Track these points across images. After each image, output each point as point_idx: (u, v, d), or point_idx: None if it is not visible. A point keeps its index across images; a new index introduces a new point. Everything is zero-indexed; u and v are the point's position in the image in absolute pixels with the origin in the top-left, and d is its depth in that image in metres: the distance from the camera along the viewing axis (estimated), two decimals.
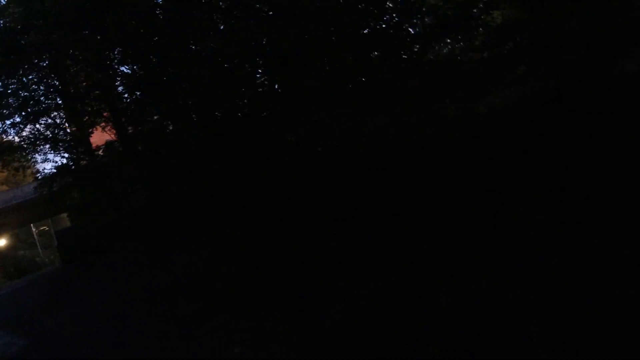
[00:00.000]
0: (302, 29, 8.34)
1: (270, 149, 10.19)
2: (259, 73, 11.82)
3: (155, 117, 15.95)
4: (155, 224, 15.36)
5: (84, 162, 17.78)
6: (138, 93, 15.72)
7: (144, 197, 17.32)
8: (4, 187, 39.05)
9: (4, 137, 19.24)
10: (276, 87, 11.31)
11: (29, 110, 16.94)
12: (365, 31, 8.50)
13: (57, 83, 17.38)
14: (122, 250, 16.06)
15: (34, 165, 20.63)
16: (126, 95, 16.74)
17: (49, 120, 18.33)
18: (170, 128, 15.14)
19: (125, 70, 16.28)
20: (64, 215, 38.82)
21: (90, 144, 17.56)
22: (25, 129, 18.37)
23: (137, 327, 5.45)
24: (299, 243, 6.94)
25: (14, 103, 16.80)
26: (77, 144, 17.76)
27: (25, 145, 18.42)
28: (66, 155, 18.90)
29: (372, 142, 7.45)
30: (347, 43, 8.14)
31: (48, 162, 25.75)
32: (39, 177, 19.50)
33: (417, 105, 6.96)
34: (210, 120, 11.55)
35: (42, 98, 17.18)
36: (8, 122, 17.50)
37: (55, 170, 18.02)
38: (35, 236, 46.14)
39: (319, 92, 7.88)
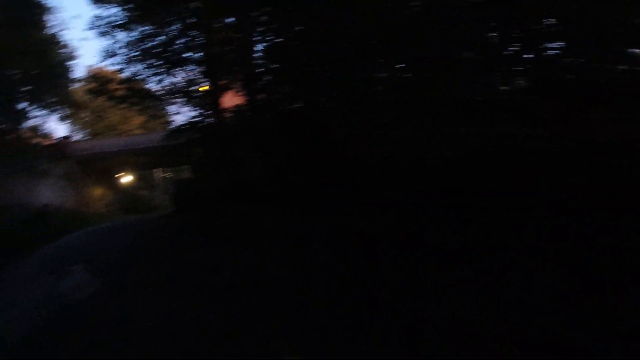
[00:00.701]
0: None
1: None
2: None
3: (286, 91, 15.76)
4: (264, 195, 15.23)
5: (212, 120, 18.18)
6: (273, 65, 15.57)
7: (259, 167, 17.32)
8: (138, 131, 42.33)
9: (144, 85, 20.28)
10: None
11: (167, 57, 17.63)
12: None
13: (198, 38, 17.84)
14: (229, 210, 16.22)
15: (167, 115, 21.65)
16: (262, 64, 16.81)
17: (185, 74, 18.99)
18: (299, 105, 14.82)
19: (266, 38, 16.21)
20: (187, 167, 41.53)
21: (220, 104, 17.87)
22: (165, 80, 19.21)
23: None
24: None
25: (155, 49, 17.65)
26: (208, 102, 18.17)
27: (161, 95, 19.28)
28: (196, 111, 19.53)
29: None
30: None
31: (180, 115, 26.98)
32: (170, 128, 20.38)
33: None
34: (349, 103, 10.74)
35: (182, 48, 17.77)
36: (149, 70, 18.37)
37: (184, 124, 18.68)
38: (158, 181, 49.92)
39: None
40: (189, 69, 18.87)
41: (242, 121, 16.92)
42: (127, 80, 18.74)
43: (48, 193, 27.07)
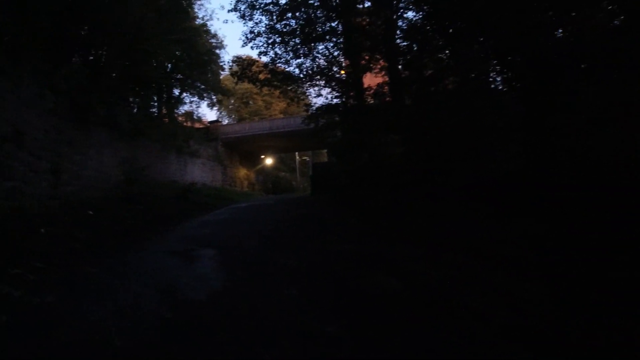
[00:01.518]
0: None
1: None
2: None
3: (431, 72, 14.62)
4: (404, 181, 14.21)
5: (352, 102, 17.61)
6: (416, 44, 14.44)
7: (399, 151, 16.34)
8: (280, 116, 43.81)
9: (286, 67, 20.32)
10: None
11: (307, 32, 17.34)
12: None
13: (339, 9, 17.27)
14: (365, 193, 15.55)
15: (307, 98, 21.56)
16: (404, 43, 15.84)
17: (326, 50, 18.61)
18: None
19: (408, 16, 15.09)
20: (324, 151, 42.21)
21: (362, 85, 17.18)
22: (305, 63, 19.04)
23: None
24: None
25: (295, 24, 17.50)
26: (349, 83, 17.60)
27: (302, 77, 19.18)
28: (336, 93, 19.12)
29: None
30: None
31: (320, 98, 27.14)
32: (309, 111, 20.26)
33: None
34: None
35: (322, 19, 17.34)
36: (289, 52, 18.32)
37: (323, 106, 18.39)
38: (296, 163, 51.51)
39: None
40: (330, 45, 18.48)
41: (384, 102, 16.04)
42: (269, 63, 18.94)
43: (198, 171, 29.11)
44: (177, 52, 23.52)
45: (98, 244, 6.24)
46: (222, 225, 9.50)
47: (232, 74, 19.13)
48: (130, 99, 22.27)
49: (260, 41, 18.06)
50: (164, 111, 29.16)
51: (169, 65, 26.84)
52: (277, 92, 23.62)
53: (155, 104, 27.95)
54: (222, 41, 31.68)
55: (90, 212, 8.42)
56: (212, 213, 13.65)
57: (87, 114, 12.23)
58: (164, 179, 21.26)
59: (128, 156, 15.88)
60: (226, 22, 56.40)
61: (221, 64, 32.14)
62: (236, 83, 21.54)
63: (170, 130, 24.34)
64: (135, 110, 22.21)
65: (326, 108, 18.02)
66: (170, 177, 22.65)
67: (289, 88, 20.43)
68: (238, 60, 18.80)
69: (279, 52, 18.61)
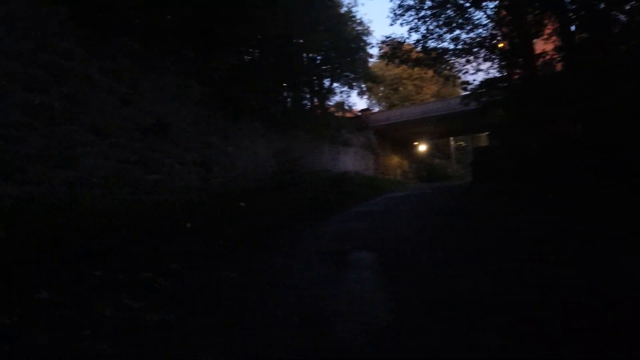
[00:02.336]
0: None
1: None
2: None
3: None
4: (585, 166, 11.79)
5: (519, 74, 15.34)
6: None
7: (579, 130, 13.81)
8: (432, 99, 41.67)
9: (439, 43, 18.61)
10: None
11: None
12: None
13: None
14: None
15: (464, 75, 19.53)
16: None
17: (484, 18, 16.56)
18: None
19: None
20: (484, 134, 39.20)
21: (530, 53, 14.80)
22: (461, 36, 17.21)
23: None
24: None
25: None
26: (513, 53, 15.35)
27: (458, 51, 17.38)
28: (499, 66, 16.99)
29: None
30: None
31: (479, 74, 24.52)
32: (467, 89, 18.29)
33: None
34: None
35: None
36: (441, 25, 16.63)
37: (483, 83, 16.40)
38: (451, 149, 48.75)
39: None
40: (489, 11, 16.39)
41: (555, 71, 13.64)
42: (420, 40, 17.49)
43: (350, 160, 28.79)
44: (325, 43, 23.19)
45: (246, 241, 5.67)
46: (379, 219, 8.50)
47: (382, 55, 18.07)
48: (284, 93, 22.68)
49: (410, 16, 16.76)
50: (316, 102, 29.48)
51: (318, 57, 26.89)
52: (429, 73, 22.13)
53: (307, 95, 28.31)
54: (368, 27, 30.73)
55: (242, 204, 8.13)
56: (366, 203, 12.83)
57: (237, 105, 12.10)
58: (317, 169, 21.17)
59: (282, 147, 15.81)
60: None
61: (369, 50, 31.03)
62: (387, 64, 20.47)
63: (322, 120, 24.27)
64: (288, 103, 22.54)
65: (488, 82, 15.98)
66: (323, 166, 22.53)
67: (443, 66, 18.77)
68: (387, 40, 17.62)
69: (431, 27, 17.10)
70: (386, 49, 18.52)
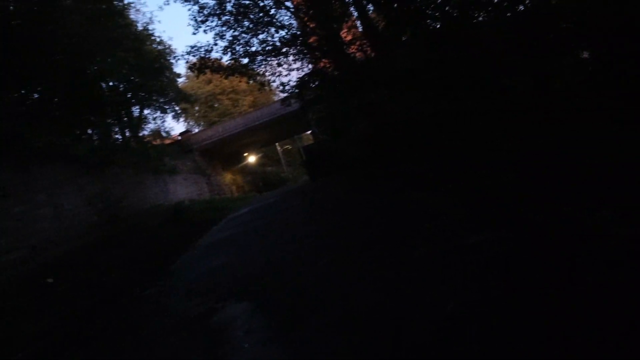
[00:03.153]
0: None
1: None
2: None
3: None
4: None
5: (331, 66, 15.29)
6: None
7: (405, 110, 14.24)
8: (250, 110, 41.26)
9: (248, 49, 17.82)
10: None
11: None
12: None
13: None
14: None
15: (279, 77, 19.05)
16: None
17: (288, 16, 16.28)
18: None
19: None
20: (308, 133, 39.88)
21: (339, 41, 14.77)
22: (267, 38, 16.65)
23: None
24: None
25: None
26: (325, 46, 15.22)
27: (267, 53, 16.78)
28: (312, 60, 16.84)
29: None
30: None
31: (294, 73, 24.11)
32: (285, 90, 17.83)
33: None
34: None
35: None
36: (247, 29, 15.88)
37: (304, 76, 16.07)
38: (280, 154, 49.04)
39: None
40: (292, 8, 16.10)
41: (372, 53, 13.82)
42: (227, 47, 16.46)
43: (181, 188, 26.71)
44: (125, 66, 20.85)
45: (57, 336, 3.95)
46: (235, 246, 7.25)
47: (191, 67, 16.57)
48: (88, 129, 19.86)
49: (213, 21, 15.57)
50: (129, 134, 26.85)
51: (122, 85, 24.39)
52: (243, 84, 21.39)
53: (116, 129, 25.51)
54: (169, 45, 28.88)
55: (50, 280, 6.14)
56: (214, 230, 11.42)
57: (22, 150, 9.50)
58: (147, 205, 18.91)
59: (97, 191, 13.40)
60: (167, 4, 52.68)
61: (175, 69, 29.23)
62: (197, 76, 18.97)
63: (139, 152, 21.83)
64: (96, 140, 19.77)
65: (304, 79, 15.65)
66: (153, 201, 20.25)
67: (256, 71, 18.05)
68: (193, 50, 16.18)
69: (236, 32, 16.20)
70: (194, 60, 17.08)
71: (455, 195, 5.60)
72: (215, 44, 16.00)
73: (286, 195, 16.90)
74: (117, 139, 25.00)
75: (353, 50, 14.69)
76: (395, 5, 10.82)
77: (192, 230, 11.82)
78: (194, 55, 16.05)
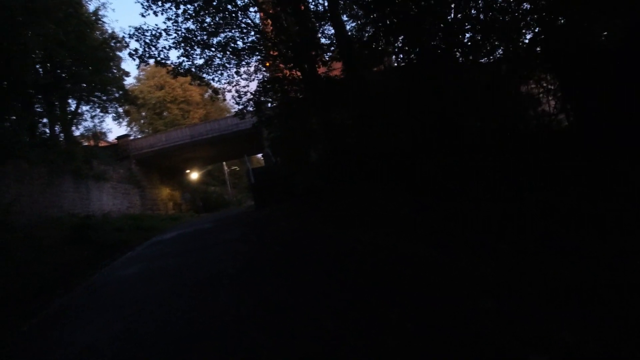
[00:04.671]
0: None
1: None
2: None
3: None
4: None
5: (296, 79, 13.12)
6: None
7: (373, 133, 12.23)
8: (200, 122, 38.42)
9: (205, 52, 15.40)
10: None
11: None
12: None
13: None
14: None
15: (236, 86, 16.52)
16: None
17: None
18: None
19: None
20: (259, 155, 37.33)
21: (312, 53, 12.63)
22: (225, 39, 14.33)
23: None
24: None
25: None
26: (294, 52, 13.06)
27: (226, 57, 14.47)
28: (272, 74, 14.67)
29: None
30: None
31: (254, 83, 21.31)
32: (240, 103, 15.45)
33: None
34: None
35: None
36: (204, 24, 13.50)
37: (262, 84, 13.79)
38: (226, 174, 46.08)
39: None
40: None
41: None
42: (181, 42, 13.96)
43: (108, 198, 23.50)
44: (55, 38, 17.73)
45: None
46: (140, 302, 4.70)
47: (132, 53, 13.80)
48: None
49: (167, 6, 12.96)
50: (59, 130, 23.63)
51: (64, 75, 21.30)
52: (197, 93, 18.83)
53: (44, 120, 22.20)
54: (122, 38, 25.86)
55: None
56: (123, 260, 8.74)
57: None
58: (59, 214, 15.82)
59: None
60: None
61: (125, 67, 26.28)
62: (138, 66, 16.17)
63: (62, 150, 18.68)
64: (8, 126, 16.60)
65: (269, 83, 13.44)
66: (69, 209, 17.13)
67: (211, 76, 15.62)
68: (138, 32, 13.43)
69: (193, 27, 13.77)
70: (138, 45, 14.27)
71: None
72: (168, 33, 13.43)
73: (225, 222, 14.31)
74: (44, 132, 21.78)
75: (322, 71, 12.63)
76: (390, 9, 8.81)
77: (95, 257, 9.09)
78: (137, 40, 13.37)
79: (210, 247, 7.77)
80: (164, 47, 13.59)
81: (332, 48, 13.19)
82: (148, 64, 14.43)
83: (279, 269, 4.98)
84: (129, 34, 13.26)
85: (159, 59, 13.52)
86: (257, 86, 13.81)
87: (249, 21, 13.78)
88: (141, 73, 48.20)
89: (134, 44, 68.51)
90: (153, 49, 13.33)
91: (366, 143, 10.76)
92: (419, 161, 8.06)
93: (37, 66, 20.24)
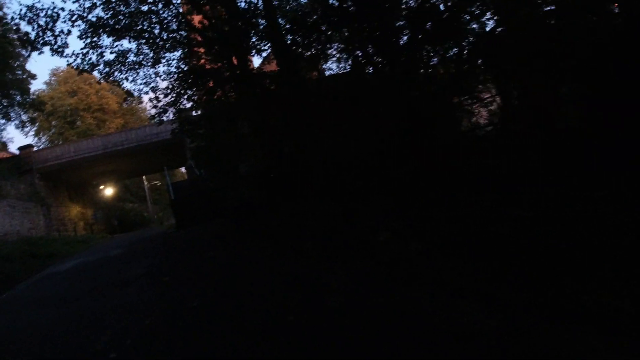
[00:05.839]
0: None
1: None
2: None
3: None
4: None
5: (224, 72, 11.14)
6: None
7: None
8: (114, 131, 34.99)
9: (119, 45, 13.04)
10: None
11: None
12: None
13: None
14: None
15: (155, 90, 14.24)
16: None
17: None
18: None
19: None
20: (181, 169, 34.40)
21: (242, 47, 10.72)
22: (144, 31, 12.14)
23: None
24: None
25: None
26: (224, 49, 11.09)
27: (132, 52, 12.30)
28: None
29: None
30: None
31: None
32: (158, 106, 13.22)
33: None
34: None
35: None
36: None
37: (184, 74, 11.68)
38: (146, 190, 42.48)
39: None
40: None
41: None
42: (87, 31, 11.57)
43: (4, 218, 19.98)
44: None
45: None
46: None
47: (22, 38, 11.14)
48: None
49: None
50: None
51: None
52: (113, 102, 16.28)
53: None
54: (26, 34, 22.51)
55: None
56: None
57: None
58: None
59: None
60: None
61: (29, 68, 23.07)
62: (28, 54, 13.52)
63: None
64: None
65: (191, 73, 11.40)
66: None
67: (124, 76, 13.29)
68: (31, 12, 10.81)
69: (103, 14, 11.45)
70: (29, 30, 11.63)
71: None
72: (72, 20, 11.03)
73: (138, 246, 11.94)
74: None
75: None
76: None
77: None
78: (30, 22, 10.80)
79: (104, 290, 5.61)
80: (62, 31, 11.10)
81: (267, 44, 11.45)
82: (42, 52, 11.92)
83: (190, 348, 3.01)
84: (20, 15, 10.74)
85: (55, 46, 11.02)
86: (176, 80, 11.69)
87: (172, 12, 11.71)
88: (52, 78, 43.85)
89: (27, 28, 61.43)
90: (49, 33, 10.82)
91: (307, 151, 9.04)
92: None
93: None
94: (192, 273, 5.71)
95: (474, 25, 7.95)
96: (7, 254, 13.11)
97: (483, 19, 7.56)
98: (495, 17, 7.12)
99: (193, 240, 10.17)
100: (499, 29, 6.86)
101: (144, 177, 42.20)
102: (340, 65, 14.60)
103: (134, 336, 3.39)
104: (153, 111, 13.53)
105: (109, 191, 35.57)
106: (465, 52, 7.54)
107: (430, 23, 7.34)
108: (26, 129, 38.00)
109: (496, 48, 6.41)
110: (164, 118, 13.47)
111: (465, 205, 4.55)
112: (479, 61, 7.16)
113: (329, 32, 9.14)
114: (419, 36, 7.61)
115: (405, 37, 7.85)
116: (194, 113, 14.35)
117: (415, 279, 3.46)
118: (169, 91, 12.07)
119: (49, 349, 3.58)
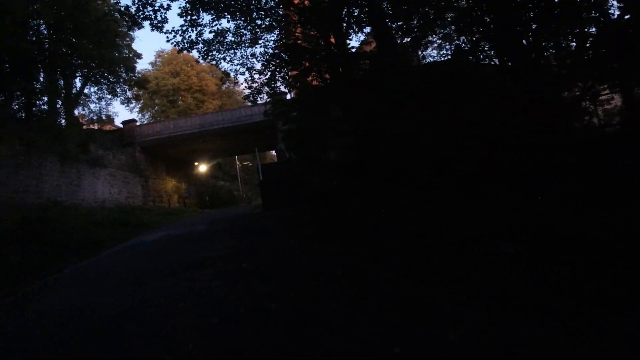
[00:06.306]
0: None
1: None
2: None
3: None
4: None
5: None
6: None
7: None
8: (211, 111, 36.18)
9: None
10: None
11: None
12: None
13: None
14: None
15: (251, 70, 14.22)
16: None
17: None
18: None
19: None
20: (272, 152, 34.89)
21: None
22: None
23: None
24: None
25: None
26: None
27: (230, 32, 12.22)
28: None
29: None
30: None
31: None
32: (253, 85, 13.14)
33: None
34: None
35: None
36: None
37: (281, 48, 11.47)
38: (237, 169, 43.77)
39: None
40: None
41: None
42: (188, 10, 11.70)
43: (103, 186, 21.27)
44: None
45: None
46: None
47: (122, 12, 11.47)
48: None
49: None
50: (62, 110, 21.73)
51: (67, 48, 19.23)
52: (212, 83, 16.55)
53: (44, 98, 20.17)
54: (127, 8, 23.65)
55: None
56: (56, 277, 6.44)
57: None
58: (29, 199, 13.63)
59: None
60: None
61: (133, 44, 24.20)
62: (129, 29, 14.01)
63: (45, 127, 16.44)
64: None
65: (287, 49, 11.13)
66: (47, 195, 14.92)
67: (222, 55, 13.39)
68: None
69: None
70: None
71: None
72: None
73: (223, 224, 11.94)
74: (43, 109, 19.80)
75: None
76: None
77: (36, 266, 6.77)
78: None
79: (176, 271, 5.38)
80: (162, 6, 11.27)
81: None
82: (142, 26, 12.22)
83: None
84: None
85: (155, 22, 11.20)
86: (272, 57, 11.46)
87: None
88: (157, 59, 46.34)
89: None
90: (149, 8, 11.01)
91: (399, 141, 8.34)
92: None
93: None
94: (273, 262, 5.29)
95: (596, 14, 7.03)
96: (100, 220, 13.75)
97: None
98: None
99: (276, 224, 9.89)
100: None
101: (236, 157, 43.49)
102: (442, 53, 13.60)
103: (195, 340, 2.98)
104: (247, 91, 13.56)
105: (202, 168, 37.02)
106: (588, 42, 6.70)
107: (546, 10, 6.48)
108: (131, 105, 40.57)
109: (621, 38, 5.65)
110: (258, 99, 13.40)
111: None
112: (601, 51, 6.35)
113: (432, 16, 8.44)
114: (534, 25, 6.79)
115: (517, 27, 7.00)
116: (287, 97, 14.19)
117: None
118: (264, 68, 11.90)
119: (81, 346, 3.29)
